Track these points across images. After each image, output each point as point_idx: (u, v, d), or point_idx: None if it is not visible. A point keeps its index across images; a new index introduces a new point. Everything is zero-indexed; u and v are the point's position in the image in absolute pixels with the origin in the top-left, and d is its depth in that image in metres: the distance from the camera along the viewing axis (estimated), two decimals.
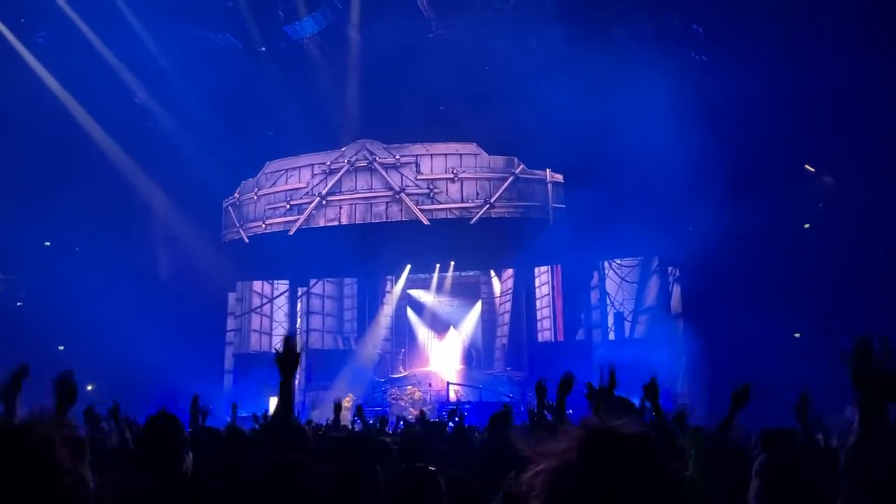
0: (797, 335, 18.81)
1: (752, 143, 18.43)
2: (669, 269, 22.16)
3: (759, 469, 2.69)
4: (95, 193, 21.84)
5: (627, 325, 22.88)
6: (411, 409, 20.21)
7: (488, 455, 4.79)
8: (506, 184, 23.22)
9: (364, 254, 22.54)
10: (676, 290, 21.86)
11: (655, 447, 1.39)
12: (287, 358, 3.44)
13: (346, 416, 17.11)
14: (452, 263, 24.95)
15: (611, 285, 23.20)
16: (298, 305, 26.24)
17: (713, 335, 18.01)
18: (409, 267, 25.39)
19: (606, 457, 1.34)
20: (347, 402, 21.20)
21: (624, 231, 19.23)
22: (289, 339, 3.52)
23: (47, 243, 23.33)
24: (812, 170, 20.52)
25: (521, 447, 1.43)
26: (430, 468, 3.04)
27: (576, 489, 1.32)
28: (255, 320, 26.36)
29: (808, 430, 5.70)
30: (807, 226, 20.06)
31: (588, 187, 19.22)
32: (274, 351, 3.53)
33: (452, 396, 22.48)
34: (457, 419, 9.66)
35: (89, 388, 22.04)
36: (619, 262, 23.03)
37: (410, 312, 26.43)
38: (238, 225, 25.45)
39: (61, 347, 21.82)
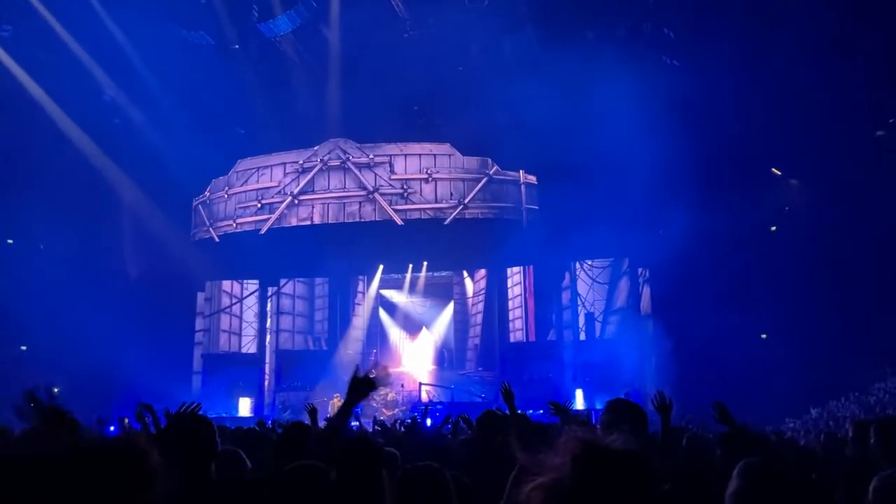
0: (764, 336, 19.13)
1: (721, 146, 18.72)
2: (640, 270, 22.40)
3: (744, 470, 2.70)
4: (61, 190, 21.49)
5: (598, 326, 23.06)
6: (384, 410, 20.17)
7: (479, 458, 4.78)
8: (480, 185, 23.27)
9: (336, 254, 22.43)
10: (646, 291, 22.10)
11: (647, 464, 1.42)
12: (362, 384, 3.35)
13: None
14: (425, 264, 24.94)
15: (582, 286, 23.37)
16: (269, 305, 26.03)
17: (682, 335, 18.23)
18: (381, 267, 25.33)
19: (599, 472, 1.37)
20: (337, 402, 21.11)
21: (596, 232, 19.40)
22: (375, 369, 3.41)
23: (10, 241, 22.87)
24: (779, 173, 20.90)
25: (521, 458, 1.48)
26: (436, 466, 3.04)
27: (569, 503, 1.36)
28: (225, 320, 26.06)
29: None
30: (773, 228, 20.44)
31: (561, 188, 19.37)
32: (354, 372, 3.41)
33: (424, 397, 22.45)
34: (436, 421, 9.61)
35: (55, 390, 21.70)
36: (590, 262, 23.22)
37: (382, 313, 26.37)
38: (208, 224, 25.18)
39: (24, 347, 21.43)
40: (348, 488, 3.02)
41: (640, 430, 3.00)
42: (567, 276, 23.55)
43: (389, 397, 21.19)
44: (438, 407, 19.84)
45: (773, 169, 20.73)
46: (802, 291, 17.49)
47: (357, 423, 13.76)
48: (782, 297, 17.65)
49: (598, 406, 17.43)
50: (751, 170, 19.50)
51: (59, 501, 1.31)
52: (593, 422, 7.19)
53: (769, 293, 17.85)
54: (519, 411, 5.50)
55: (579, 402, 20.42)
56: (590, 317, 23.23)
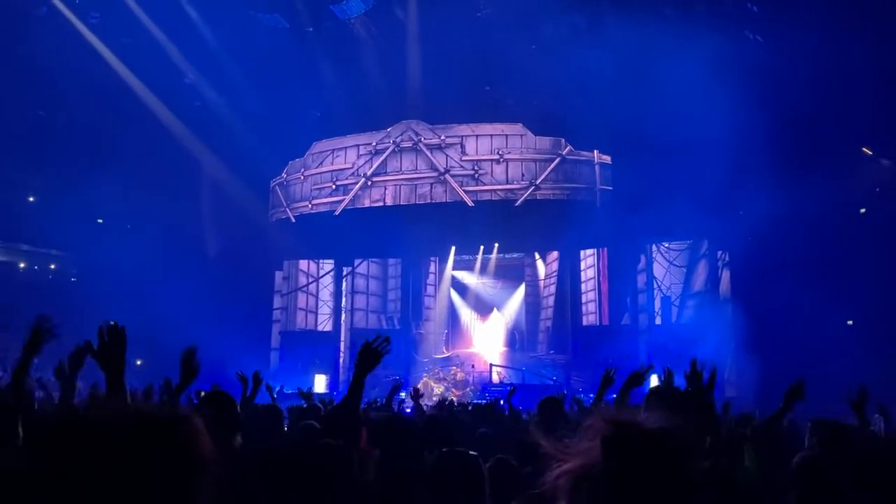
0: (850, 322, 18.32)
1: (807, 124, 17.90)
2: (719, 253, 21.73)
3: (806, 465, 2.56)
4: (146, 171, 22.35)
5: (675, 310, 22.53)
6: (454, 391, 20.30)
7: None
8: (552, 165, 22.94)
9: (408, 235, 22.58)
10: (726, 275, 21.43)
11: (680, 443, 1.33)
12: (370, 356, 3.40)
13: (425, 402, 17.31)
14: (496, 245, 24.86)
15: (658, 269, 22.85)
16: (343, 285, 26.49)
17: (763, 321, 17.63)
18: (454, 248, 25.38)
19: (632, 454, 1.29)
20: (430, 383, 21.33)
21: (673, 214, 18.89)
22: (376, 340, 3.48)
23: (100, 220, 23.95)
24: (869, 152, 19.85)
25: (545, 445, 1.37)
26: (472, 452, 3.00)
27: (600, 489, 1.28)
28: (301, 299, 26.71)
29: (866, 425, 5.48)
30: (863, 210, 19.46)
31: (636, 169, 18.92)
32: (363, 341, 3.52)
33: (495, 378, 22.49)
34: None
35: (138, 363, 22.71)
36: (667, 245, 22.66)
37: (454, 293, 26.46)
38: (285, 204, 25.72)
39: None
40: (385, 467, 3.05)
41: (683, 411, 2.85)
42: (643, 258, 23.07)
43: (459, 377, 21.30)
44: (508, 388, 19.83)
45: (864, 148, 19.69)
46: (893, 276, 16.61)
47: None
48: (871, 283, 16.81)
49: None
50: (839, 149, 18.57)
51: (117, 465, 1.29)
52: None
53: (857, 278, 17.03)
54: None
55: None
56: (666, 301, 22.72)
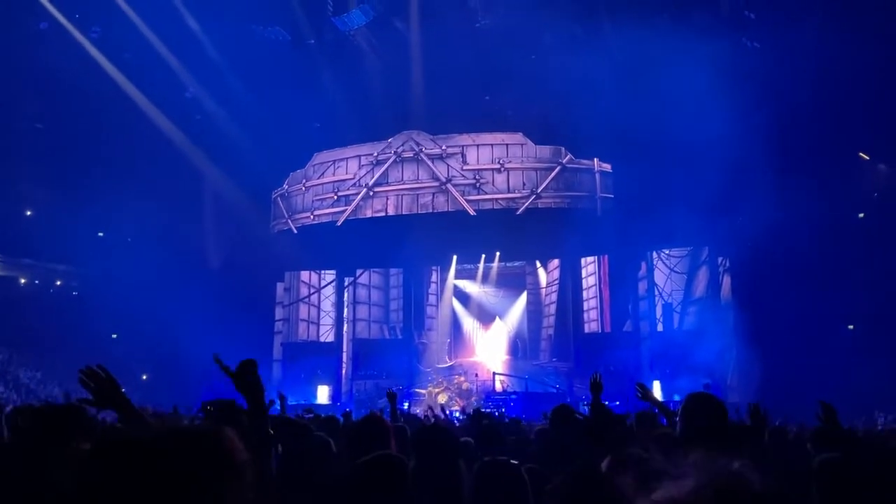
0: (851, 327, 18.38)
1: (804, 131, 18.01)
2: (719, 259, 21.80)
3: (822, 469, 2.61)
4: (147, 184, 22.41)
5: (676, 317, 22.57)
6: (458, 400, 20.32)
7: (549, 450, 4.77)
8: (553, 174, 23.07)
9: (410, 244, 22.65)
10: (727, 281, 21.50)
11: None
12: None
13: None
14: (498, 254, 24.93)
15: (659, 276, 22.92)
16: (345, 295, 26.53)
17: (764, 327, 17.69)
18: (455, 258, 25.44)
19: None
20: (434, 392, 21.39)
21: (673, 221, 18.98)
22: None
23: (101, 234, 24.01)
24: (867, 158, 19.96)
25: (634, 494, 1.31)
26: (514, 462, 3.02)
27: None
28: (303, 310, 26.74)
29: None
30: (861, 215, 19.55)
31: (636, 177, 19.02)
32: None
33: (498, 387, 22.50)
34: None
35: (144, 377, 22.74)
36: (667, 252, 22.72)
37: (456, 302, 26.50)
38: (287, 216, 25.81)
39: (114, 336, 22.49)
40: (425, 478, 3.04)
41: (721, 426, 2.89)
42: (643, 265, 23.14)
43: (464, 387, 21.32)
44: (513, 397, 19.86)
45: (861, 153, 19.80)
46: (892, 281, 16.68)
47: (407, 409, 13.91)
48: (871, 287, 16.87)
49: (677, 398, 17.11)
50: (837, 155, 18.69)
51: (158, 483, 1.35)
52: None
53: (857, 283, 17.09)
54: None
55: (657, 394, 20.08)
56: (667, 307, 22.77)
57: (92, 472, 1.40)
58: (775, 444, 5.42)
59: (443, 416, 11.65)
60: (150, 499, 1.35)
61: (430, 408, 11.33)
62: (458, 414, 17.51)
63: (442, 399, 20.85)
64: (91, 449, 1.45)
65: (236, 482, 1.44)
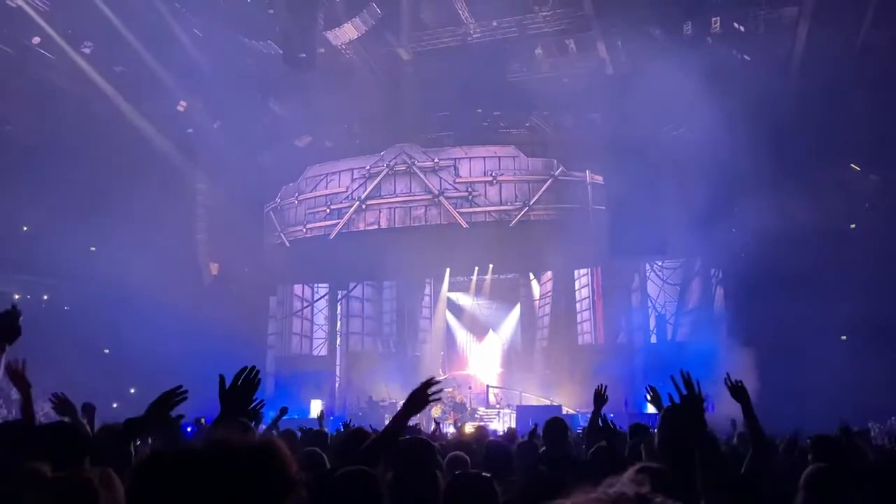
0: (844, 338, 18.38)
1: (796, 142, 18.08)
2: (712, 270, 21.82)
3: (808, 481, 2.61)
4: (140, 200, 22.32)
5: (670, 328, 22.58)
6: (452, 413, 20.23)
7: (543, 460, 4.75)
8: (545, 186, 23.10)
9: (403, 257, 22.61)
10: (720, 292, 21.52)
11: None
12: (420, 400, 3.29)
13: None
14: (491, 266, 24.90)
15: (652, 287, 22.93)
16: (338, 308, 26.46)
17: (758, 338, 17.68)
18: (448, 270, 25.41)
19: None
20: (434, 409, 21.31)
21: (665, 232, 19.00)
22: (428, 384, 3.28)
23: (93, 248, 23.88)
24: (858, 169, 20.06)
25: None
26: (486, 474, 3.01)
27: None
28: (296, 323, 26.65)
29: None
30: (853, 226, 19.61)
31: (629, 188, 19.04)
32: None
33: (492, 399, 22.43)
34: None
35: (132, 391, 22.56)
36: (660, 263, 22.73)
37: (449, 315, 26.44)
38: (279, 229, 25.76)
39: (106, 350, 22.33)
40: (402, 489, 3.04)
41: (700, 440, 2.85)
42: (636, 277, 23.15)
43: (458, 399, 21.22)
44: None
45: (853, 165, 19.90)
46: (885, 292, 16.71)
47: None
48: (863, 299, 16.88)
49: None
50: (828, 166, 18.77)
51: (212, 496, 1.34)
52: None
53: (849, 294, 17.10)
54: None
55: (651, 407, 20.02)
56: (661, 319, 22.77)
57: (143, 487, 1.38)
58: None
59: (441, 432, 11.63)
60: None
61: (437, 423, 11.38)
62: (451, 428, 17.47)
63: (435, 412, 20.75)
64: (141, 462, 1.45)
65: (288, 497, 1.43)
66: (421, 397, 3.29)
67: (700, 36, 19.06)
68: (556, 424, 5.16)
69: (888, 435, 12.53)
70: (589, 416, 5.54)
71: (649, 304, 22.88)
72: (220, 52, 20.72)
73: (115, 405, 21.73)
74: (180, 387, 3.09)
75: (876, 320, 16.78)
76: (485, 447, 5.09)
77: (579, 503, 1.15)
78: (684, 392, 2.64)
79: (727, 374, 3.96)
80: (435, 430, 11.30)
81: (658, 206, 18.30)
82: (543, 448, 5.25)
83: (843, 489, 2.57)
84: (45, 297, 26.05)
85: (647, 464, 2.56)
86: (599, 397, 5.17)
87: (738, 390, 3.95)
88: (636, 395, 20.43)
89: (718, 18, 18.75)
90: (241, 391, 2.77)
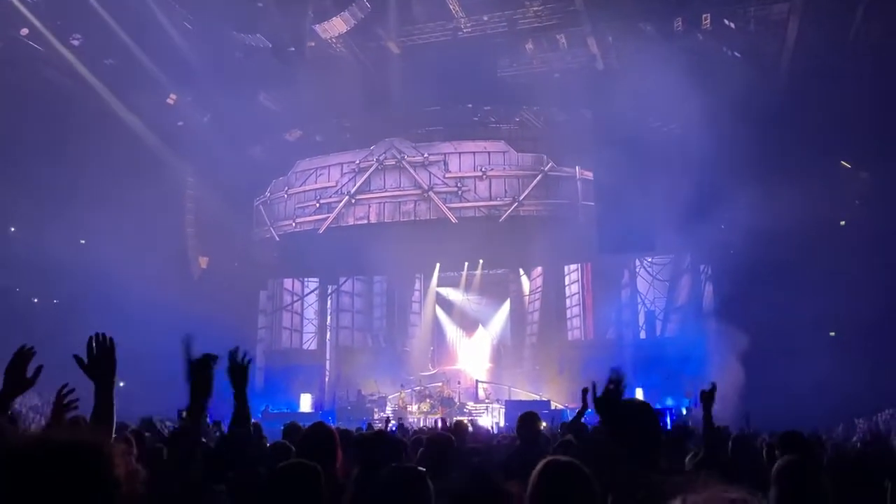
0: (832, 334, 18.47)
1: (785, 138, 18.12)
2: (702, 266, 21.88)
3: (779, 473, 2.65)
4: (129, 193, 22.19)
5: (659, 324, 22.64)
6: (441, 408, 20.24)
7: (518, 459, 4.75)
8: (535, 181, 23.10)
9: (393, 252, 22.58)
10: (709, 288, 21.56)
11: None
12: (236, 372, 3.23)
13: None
14: (481, 262, 24.90)
15: (642, 283, 22.98)
16: (328, 303, 26.42)
17: (747, 334, 17.72)
18: (438, 265, 25.40)
19: None
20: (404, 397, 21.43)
21: (655, 228, 19.02)
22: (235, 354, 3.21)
23: (83, 241, 23.73)
24: (848, 166, 20.12)
25: None
26: (420, 469, 2.99)
27: None
28: (286, 318, 26.60)
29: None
30: (843, 223, 19.67)
31: (619, 184, 19.05)
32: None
33: (481, 394, 22.46)
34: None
35: (121, 384, 22.48)
36: (650, 259, 22.78)
37: (439, 310, 26.45)
38: (269, 223, 25.69)
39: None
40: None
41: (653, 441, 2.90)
42: (626, 273, 23.18)
43: (446, 394, 21.24)
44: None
45: (843, 161, 19.96)
46: (874, 288, 16.77)
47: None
48: (852, 295, 16.94)
49: (659, 406, 17.11)
50: (818, 162, 18.80)
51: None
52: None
53: (838, 290, 17.16)
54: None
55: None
56: (650, 315, 22.83)
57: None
58: (739, 450, 5.43)
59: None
60: None
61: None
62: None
63: (424, 407, 20.76)
64: None
65: (112, 499, 1.41)
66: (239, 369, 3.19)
67: (690, 32, 19.04)
68: (528, 419, 5.20)
69: (870, 432, 12.61)
70: (576, 410, 5.58)
71: (639, 299, 22.94)
72: (210, 46, 20.58)
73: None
74: (24, 345, 3.03)
75: (864, 317, 16.86)
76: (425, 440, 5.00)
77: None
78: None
79: (713, 383, 4.09)
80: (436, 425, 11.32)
81: (648, 202, 18.29)
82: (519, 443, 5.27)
83: (813, 480, 2.62)
84: (39, 292, 25.89)
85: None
86: (585, 396, 5.17)
87: (704, 395, 4.07)
88: (625, 390, 20.45)
89: (709, 15, 18.72)
90: (98, 358, 2.81)
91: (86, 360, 2.79)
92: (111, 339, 2.84)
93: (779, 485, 2.66)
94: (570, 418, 16.48)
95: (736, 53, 19.25)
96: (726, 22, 19.06)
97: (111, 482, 1.41)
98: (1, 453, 1.38)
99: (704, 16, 18.79)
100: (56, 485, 1.34)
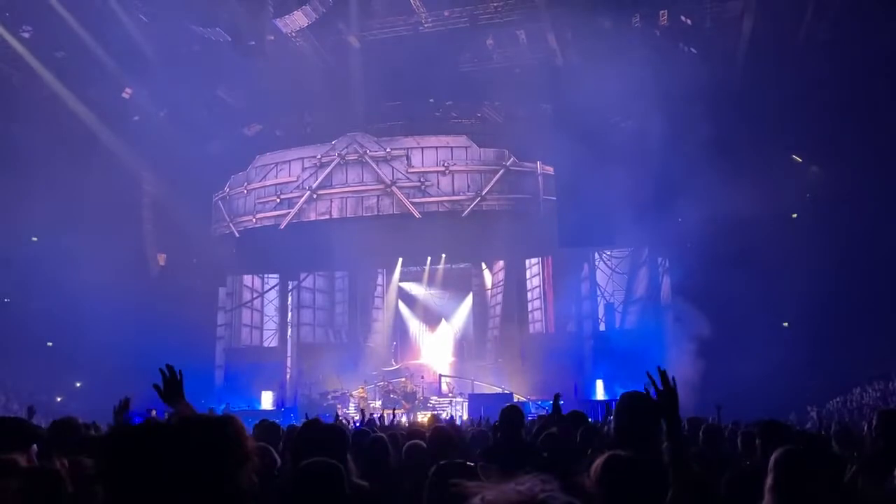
0: (786, 324, 18.97)
1: (739, 133, 18.54)
2: (659, 259, 22.26)
3: (776, 463, 2.69)
4: (83, 189, 21.74)
5: (618, 316, 22.96)
6: (404, 403, 20.27)
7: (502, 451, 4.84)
8: (497, 176, 23.26)
9: (355, 247, 22.53)
10: (666, 281, 21.96)
11: None
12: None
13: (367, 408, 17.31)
14: (444, 256, 24.98)
15: (601, 276, 23.27)
16: (289, 299, 26.22)
17: (703, 325, 18.10)
18: (401, 260, 25.40)
19: None
20: (361, 393, 21.36)
21: (614, 222, 19.30)
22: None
23: (34, 239, 23.16)
24: (799, 160, 20.66)
25: None
26: (333, 462, 3.03)
27: None
28: (246, 315, 26.32)
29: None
30: (794, 215, 20.20)
31: (578, 179, 19.29)
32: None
33: (445, 388, 22.54)
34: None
35: (77, 385, 22.04)
36: (609, 252, 23.08)
37: (402, 305, 26.46)
38: (228, 219, 25.39)
39: (50, 343, 21.72)
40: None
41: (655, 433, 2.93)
42: (586, 266, 23.46)
43: (409, 389, 21.27)
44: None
45: (794, 156, 20.49)
46: (825, 279, 17.27)
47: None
48: (804, 286, 17.44)
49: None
50: (771, 156, 19.28)
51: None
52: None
53: (791, 282, 17.64)
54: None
55: (599, 393, 20.41)
56: (609, 307, 23.14)
57: (111, 459, 1.62)
58: (710, 438, 5.60)
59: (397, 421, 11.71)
60: (163, 481, 1.56)
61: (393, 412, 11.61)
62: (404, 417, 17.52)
63: (372, 403, 20.78)
64: (107, 437, 1.85)
65: (244, 466, 1.70)
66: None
67: (648, 28, 19.34)
68: (513, 412, 5.25)
69: (822, 419, 13.00)
70: (539, 402, 5.70)
71: (598, 292, 23.22)
72: (167, 39, 20.23)
73: (59, 399, 21.23)
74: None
75: (816, 308, 17.36)
76: (430, 432, 5.16)
77: (490, 494, 1.17)
78: (661, 388, 2.71)
79: (673, 378, 4.06)
80: (393, 420, 11.36)
81: (606, 196, 18.53)
82: (499, 435, 5.33)
83: (813, 469, 2.67)
84: None
85: (616, 452, 2.63)
86: (557, 402, 5.51)
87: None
88: (585, 381, 20.77)
89: (666, 11, 19.04)
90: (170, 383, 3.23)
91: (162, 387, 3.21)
92: (181, 371, 3.26)
93: (781, 475, 2.66)
94: (532, 410, 16.70)
95: (692, 49, 19.59)
96: (683, 18, 19.39)
97: (248, 448, 1.74)
98: (174, 424, 1.78)
99: (662, 12, 19.10)
100: (213, 445, 1.66)
